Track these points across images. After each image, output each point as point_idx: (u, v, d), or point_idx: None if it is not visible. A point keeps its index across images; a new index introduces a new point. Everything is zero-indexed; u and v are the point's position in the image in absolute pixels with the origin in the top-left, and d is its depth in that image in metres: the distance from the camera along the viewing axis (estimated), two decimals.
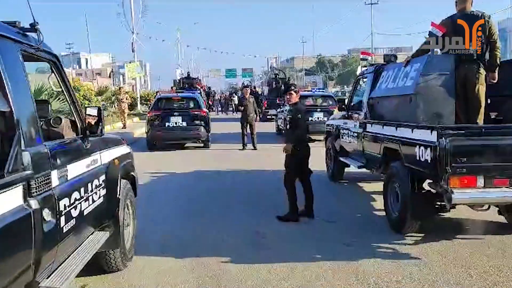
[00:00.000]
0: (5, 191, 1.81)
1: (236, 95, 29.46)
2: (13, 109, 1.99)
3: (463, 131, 3.56)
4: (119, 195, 3.24)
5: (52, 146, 2.34)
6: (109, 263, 3.25)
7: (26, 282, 2.01)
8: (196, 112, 11.00)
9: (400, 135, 4.24)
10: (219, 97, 32.82)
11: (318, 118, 11.33)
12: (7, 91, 2.00)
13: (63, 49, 65.19)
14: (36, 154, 2.10)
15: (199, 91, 21.33)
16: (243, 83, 39.86)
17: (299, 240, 4.10)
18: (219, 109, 30.32)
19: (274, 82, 22.15)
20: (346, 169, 6.51)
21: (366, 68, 5.97)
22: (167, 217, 4.91)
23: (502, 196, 3.51)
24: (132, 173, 3.71)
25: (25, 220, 1.94)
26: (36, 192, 2.04)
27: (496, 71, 4.15)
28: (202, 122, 10.88)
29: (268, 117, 18.61)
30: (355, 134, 5.60)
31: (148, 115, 11.61)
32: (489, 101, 4.50)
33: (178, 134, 10.86)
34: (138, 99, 24.63)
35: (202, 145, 11.15)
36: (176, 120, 10.83)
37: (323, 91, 16.88)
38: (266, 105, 19.78)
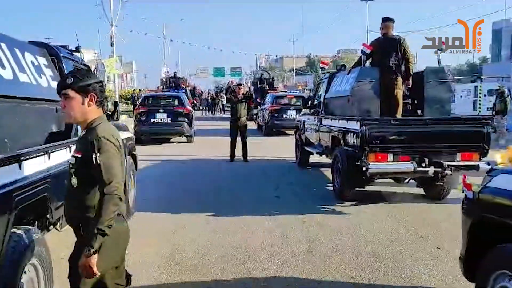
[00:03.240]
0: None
1: (224, 94, 30.26)
2: None
3: (377, 122, 5.30)
4: (125, 165, 4.77)
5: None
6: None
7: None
8: (180, 110, 12.66)
9: (340, 126, 5.98)
10: (206, 97, 33.88)
11: (291, 116, 13.36)
12: None
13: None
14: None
15: (184, 90, 23.00)
16: (228, 83, 40.56)
17: (271, 202, 5.78)
18: (206, 108, 31.02)
19: (259, 82, 23.87)
20: (312, 157, 8.25)
21: (324, 74, 7.74)
22: (164, 187, 6.59)
23: (404, 167, 5.25)
24: (133, 152, 5.17)
25: None
26: None
27: (410, 79, 5.92)
28: (186, 119, 12.52)
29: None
30: (315, 127, 7.34)
31: (135, 111, 13.27)
32: (415, 101, 6.32)
33: (163, 129, 12.51)
34: (117, 97, 23.43)
35: (185, 140, 12.81)
36: (161, 117, 12.47)
37: (296, 92, 18.98)
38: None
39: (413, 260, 3.73)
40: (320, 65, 6.23)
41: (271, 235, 4.44)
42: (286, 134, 14.58)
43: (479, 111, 19.37)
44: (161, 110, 12.57)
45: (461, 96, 21.32)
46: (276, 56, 73.27)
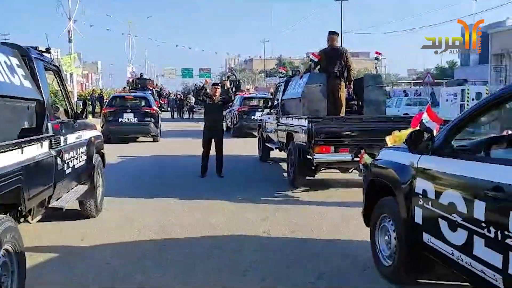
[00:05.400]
0: (42, 143, 3.49)
1: (192, 96, 30.42)
2: (44, 99, 3.71)
3: (321, 120, 6.55)
4: (94, 162, 5.06)
5: (59, 122, 4.11)
6: (87, 210, 5.02)
7: (49, 195, 3.69)
8: (146, 110, 13.67)
9: (293, 123, 7.20)
10: (174, 98, 34.34)
11: (259, 117, 14.36)
12: (42, 89, 3.73)
13: None
14: (53, 125, 3.84)
15: (151, 92, 23.77)
16: (197, 84, 40.64)
17: (233, 189, 6.89)
18: (174, 110, 30.52)
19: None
20: (272, 153, 9.46)
21: (282, 78, 8.98)
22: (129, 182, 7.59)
23: (343, 158, 6.51)
24: (102, 150, 5.60)
25: (50, 159, 3.63)
26: (54, 146, 3.77)
27: (351, 84, 7.23)
28: (152, 119, 13.53)
29: None
30: (274, 126, 8.55)
31: (103, 111, 14.11)
32: (359, 103, 7.65)
33: (131, 129, 13.47)
34: (75, 98, 23.09)
35: (152, 139, 13.80)
36: (128, 117, 13.42)
37: (264, 94, 20.12)
38: None
39: (343, 228, 4.97)
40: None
41: (231, 214, 5.54)
42: (255, 136, 15.77)
43: None
44: (128, 111, 13.53)
45: (447, 100, 20.61)
46: (249, 56, 74.59)
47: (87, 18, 70.03)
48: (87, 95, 28.82)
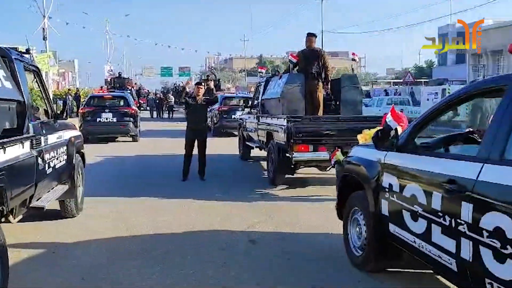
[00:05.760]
0: (23, 143, 3.56)
1: (172, 96, 29.41)
2: (25, 100, 3.74)
3: (300, 119, 6.81)
4: (74, 162, 5.17)
5: (40, 123, 4.26)
6: (67, 209, 5.13)
7: (30, 194, 3.79)
8: (125, 110, 13.72)
9: (273, 123, 7.44)
10: (153, 97, 34.09)
11: (239, 116, 14.56)
12: (22, 90, 3.76)
13: None
14: (34, 126, 3.94)
15: (129, 91, 23.68)
16: (174, 83, 40.07)
17: (214, 187, 7.10)
18: (154, 109, 30.05)
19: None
20: (253, 151, 9.69)
21: (262, 78, 9.23)
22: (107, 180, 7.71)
23: (321, 156, 6.78)
24: (82, 150, 5.72)
25: (31, 159, 3.71)
26: (35, 146, 3.84)
27: (329, 84, 7.52)
28: (131, 119, 13.60)
29: None
30: (254, 125, 8.77)
31: (81, 111, 14.06)
32: (338, 103, 7.94)
33: (109, 128, 13.47)
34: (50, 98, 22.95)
35: (131, 139, 13.89)
36: (107, 116, 13.43)
37: (244, 93, 20.36)
38: None
39: (318, 222, 5.24)
40: (259, 69, 7.31)
41: (211, 212, 5.75)
42: (235, 135, 15.97)
43: None
44: (106, 110, 13.55)
45: (428, 99, 20.97)
46: (230, 55, 74.54)
47: (63, 15, 68.69)
48: (63, 94, 28.41)
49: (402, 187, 3.04)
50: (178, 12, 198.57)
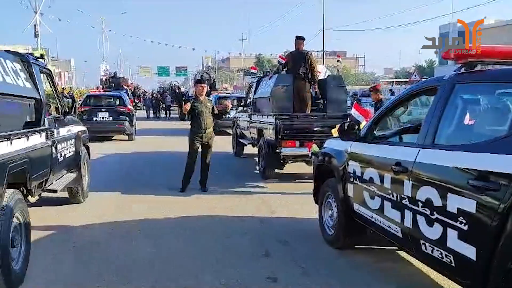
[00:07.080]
0: (41, 133, 4.32)
1: (169, 95, 29.87)
2: (41, 97, 4.51)
3: (287, 117, 7.44)
4: (81, 153, 5.98)
5: (53, 117, 5.14)
6: (75, 196, 5.89)
7: (46, 177, 4.50)
8: (121, 109, 14.34)
9: (263, 120, 8.07)
10: (149, 97, 34.45)
11: (233, 115, 15.30)
12: (39, 88, 4.53)
13: None
14: (49, 120, 4.71)
15: (125, 91, 24.20)
16: (171, 83, 40.11)
17: (210, 180, 7.67)
18: (150, 109, 30.00)
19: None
20: (246, 148, 10.31)
21: (254, 78, 9.87)
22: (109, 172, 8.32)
23: (307, 151, 7.40)
24: (87, 143, 6.56)
25: (47, 147, 4.49)
26: (50, 137, 4.59)
27: (316, 84, 8.14)
28: (127, 118, 14.20)
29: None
30: (246, 123, 9.39)
31: (78, 110, 14.63)
32: (325, 102, 8.56)
33: (106, 127, 14.04)
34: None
35: (127, 138, 14.50)
36: (103, 115, 14.04)
37: (239, 93, 21.00)
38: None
39: (302, 209, 5.87)
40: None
41: (207, 201, 6.36)
42: (230, 134, 16.60)
43: None
44: (103, 109, 14.16)
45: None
46: (229, 53, 75.03)
47: (56, 13, 69.21)
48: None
49: (362, 171, 3.66)
50: (177, 11, 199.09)
